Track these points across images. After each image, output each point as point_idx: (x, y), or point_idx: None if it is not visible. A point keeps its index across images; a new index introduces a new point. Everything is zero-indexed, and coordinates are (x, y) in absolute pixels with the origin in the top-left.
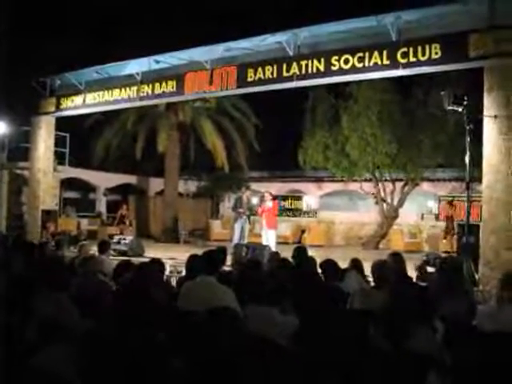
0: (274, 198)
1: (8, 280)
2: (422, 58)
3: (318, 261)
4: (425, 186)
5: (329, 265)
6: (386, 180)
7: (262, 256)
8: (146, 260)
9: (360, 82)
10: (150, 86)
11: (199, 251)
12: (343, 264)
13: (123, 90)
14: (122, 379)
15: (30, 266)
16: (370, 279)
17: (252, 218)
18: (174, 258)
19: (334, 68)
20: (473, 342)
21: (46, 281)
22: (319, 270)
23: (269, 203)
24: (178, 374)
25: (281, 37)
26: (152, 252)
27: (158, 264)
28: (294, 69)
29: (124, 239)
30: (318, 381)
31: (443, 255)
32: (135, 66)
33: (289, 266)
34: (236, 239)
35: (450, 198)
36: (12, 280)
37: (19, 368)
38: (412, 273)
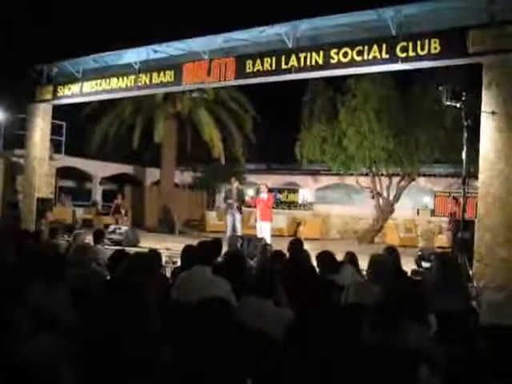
0: (270, 190)
1: (1, 268)
2: (421, 53)
3: (313, 254)
4: (421, 181)
5: (325, 256)
6: (382, 174)
7: (256, 248)
8: (142, 250)
9: (359, 75)
10: (148, 75)
11: (194, 242)
12: (338, 257)
13: (121, 79)
14: (111, 369)
15: (23, 255)
16: (364, 273)
17: (248, 210)
18: (169, 248)
19: (332, 61)
20: (467, 338)
21: (40, 270)
22: (315, 262)
23: (264, 195)
24: (167, 364)
25: (280, 29)
26: (147, 242)
27: (154, 254)
28: (293, 61)
29: (119, 229)
30: (310, 374)
31: (438, 250)
32: (133, 56)
33: (282, 257)
34: (229, 231)
35: (446, 194)
36: (5, 268)
37: (10, 357)
38: (407, 267)
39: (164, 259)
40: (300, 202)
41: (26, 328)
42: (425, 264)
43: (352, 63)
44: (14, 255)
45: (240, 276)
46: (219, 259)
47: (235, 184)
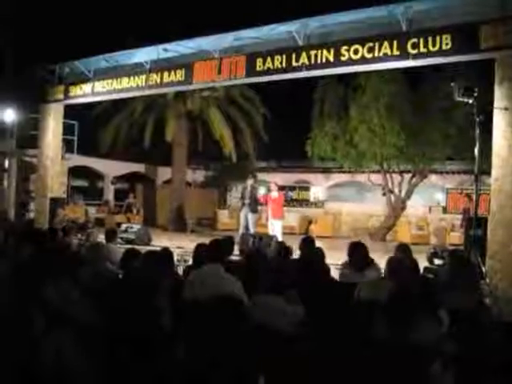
0: (281, 188)
1: (17, 267)
2: (432, 49)
3: (326, 252)
4: (433, 178)
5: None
6: (393, 171)
7: (268, 246)
8: (154, 248)
9: (369, 72)
10: (159, 74)
11: (206, 240)
12: None
13: (132, 78)
14: (122, 367)
15: (39, 253)
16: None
17: (259, 208)
18: (181, 246)
19: (343, 58)
20: (480, 334)
21: (54, 267)
22: (328, 259)
23: (274, 193)
24: (179, 362)
25: (290, 26)
26: (159, 241)
27: (166, 252)
28: (304, 59)
29: (131, 227)
30: (321, 371)
31: (451, 248)
32: (144, 55)
33: (293, 255)
34: (241, 229)
35: (459, 191)
36: (21, 266)
37: (27, 354)
38: (419, 265)
39: (176, 258)
40: (311, 199)
41: (40, 325)
42: (437, 261)
43: (363, 60)
44: (29, 253)
45: (257, 275)
46: (239, 257)
47: (250, 182)
